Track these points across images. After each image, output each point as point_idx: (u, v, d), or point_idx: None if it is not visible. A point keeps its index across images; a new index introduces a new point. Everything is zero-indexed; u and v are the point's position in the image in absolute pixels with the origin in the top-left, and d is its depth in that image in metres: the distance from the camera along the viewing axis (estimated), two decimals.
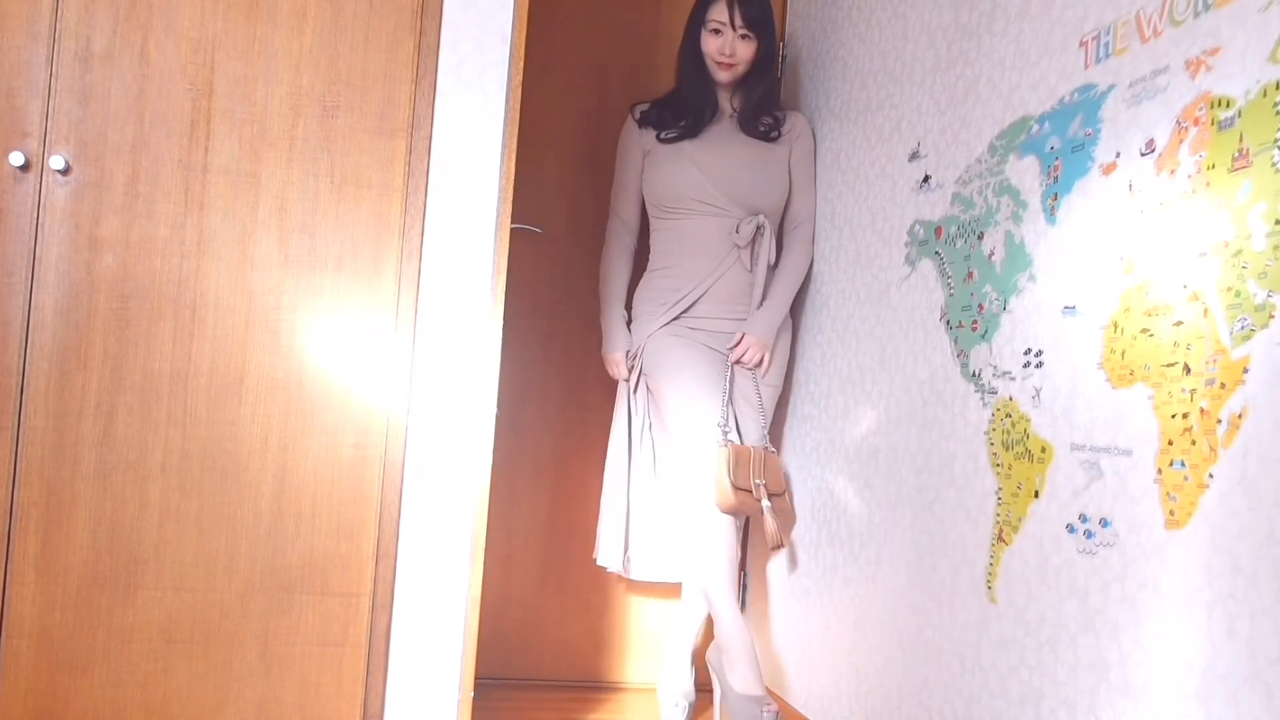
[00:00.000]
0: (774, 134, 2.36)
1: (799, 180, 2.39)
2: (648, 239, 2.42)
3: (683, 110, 2.35)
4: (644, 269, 2.40)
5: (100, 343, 1.69)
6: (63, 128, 1.68)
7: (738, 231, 2.27)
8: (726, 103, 2.40)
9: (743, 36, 2.29)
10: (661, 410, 2.29)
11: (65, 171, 1.68)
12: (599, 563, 2.43)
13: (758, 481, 2.17)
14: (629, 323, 2.39)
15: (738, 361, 2.29)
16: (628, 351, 2.37)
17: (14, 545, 1.67)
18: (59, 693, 1.68)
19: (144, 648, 1.71)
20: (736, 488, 2.11)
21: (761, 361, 2.30)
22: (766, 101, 2.38)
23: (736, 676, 2.06)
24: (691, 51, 2.34)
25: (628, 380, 2.39)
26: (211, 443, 1.72)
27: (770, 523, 2.15)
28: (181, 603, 1.71)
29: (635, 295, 2.39)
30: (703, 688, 2.58)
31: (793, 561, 2.43)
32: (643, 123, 2.39)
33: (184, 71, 1.72)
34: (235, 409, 1.73)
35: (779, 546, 2.16)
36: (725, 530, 2.14)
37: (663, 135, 2.35)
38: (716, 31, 2.29)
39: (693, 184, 2.29)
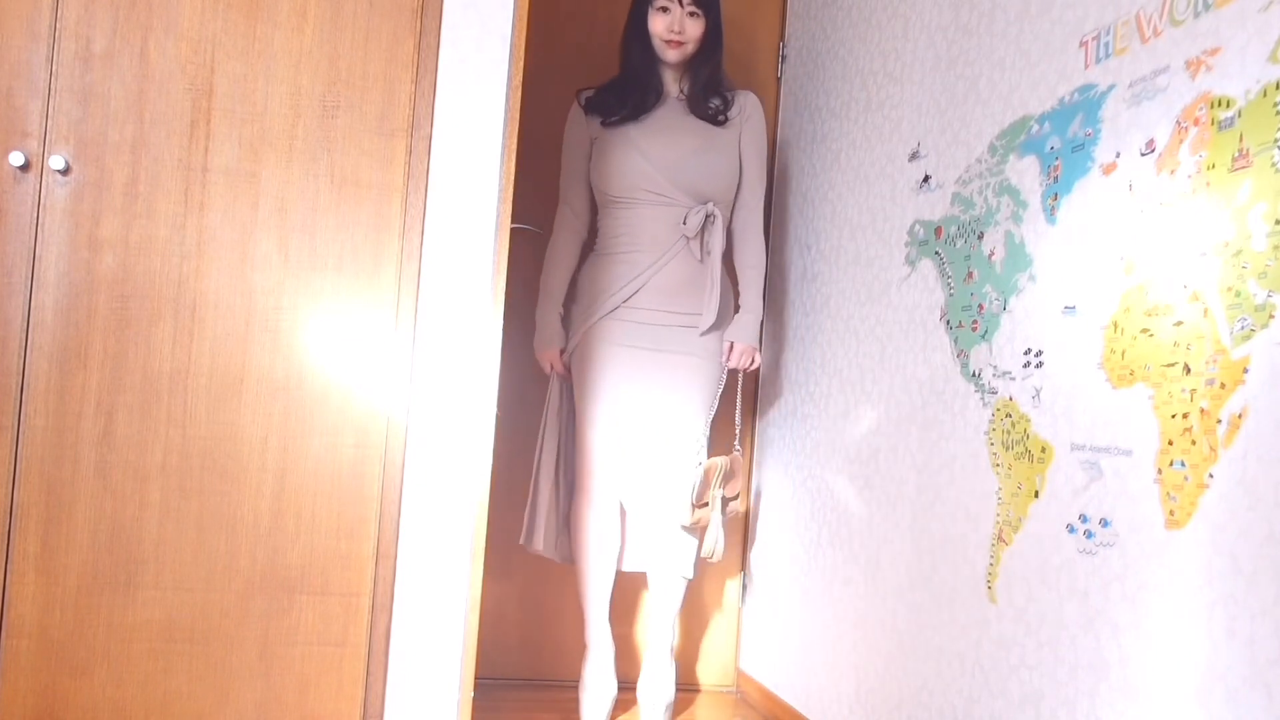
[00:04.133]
0: (721, 117, 2.33)
1: (749, 164, 2.35)
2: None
3: (626, 94, 2.32)
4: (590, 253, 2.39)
5: (100, 343, 1.69)
6: (63, 128, 1.68)
7: (685, 222, 2.25)
8: (673, 84, 2.36)
9: (691, 14, 2.27)
10: (578, 405, 2.31)
11: (65, 171, 1.68)
12: (533, 549, 2.40)
13: (715, 493, 2.27)
14: (564, 316, 2.38)
15: (734, 369, 2.33)
16: (563, 350, 2.36)
17: (14, 545, 1.67)
18: (59, 693, 1.68)
19: (144, 648, 1.70)
20: (697, 505, 2.24)
21: (753, 362, 2.33)
22: (714, 81, 2.34)
23: (586, 694, 2.30)
24: (637, 32, 2.32)
25: (563, 376, 2.39)
26: (211, 443, 1.72)
27: (712, 536, 2.28)
28: (181, 603, 1.71)
29: (579, 277, 2.37)
30: (682, 686, 2.57)
31: (748, 573, 2.45)
32: (588, 109, 2.36)
33: (184, 71, 1.72)
34: (235, 409, 1.73)
35: (711, 559, 2.31)
36: (610, 550, 2.30)
37: (606, 120, 2.32)
38: (664, 9, 2.27)
39: (639, 173, 2.26)
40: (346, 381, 1.77)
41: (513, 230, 2.49)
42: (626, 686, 2.65)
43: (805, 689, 2.27)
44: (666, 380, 2.27)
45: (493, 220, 1.81)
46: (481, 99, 1.81)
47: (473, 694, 1.79)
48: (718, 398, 2.32)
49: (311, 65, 1.76)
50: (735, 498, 2.37)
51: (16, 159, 1.65)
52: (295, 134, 1.75)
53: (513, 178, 1.82)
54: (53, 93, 1.68)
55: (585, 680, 2.32)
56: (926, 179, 1.90)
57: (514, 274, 2.55)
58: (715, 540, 2.27)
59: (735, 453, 2.40)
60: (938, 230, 1.84)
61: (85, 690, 1.69)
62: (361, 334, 1.77)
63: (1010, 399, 1.58)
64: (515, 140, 1.82)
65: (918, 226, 1.91)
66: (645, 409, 2.26)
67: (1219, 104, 1.20)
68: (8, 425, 1.66)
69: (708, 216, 2.25)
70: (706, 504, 2.26)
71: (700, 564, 2.36)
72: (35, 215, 1.67)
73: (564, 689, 2.56)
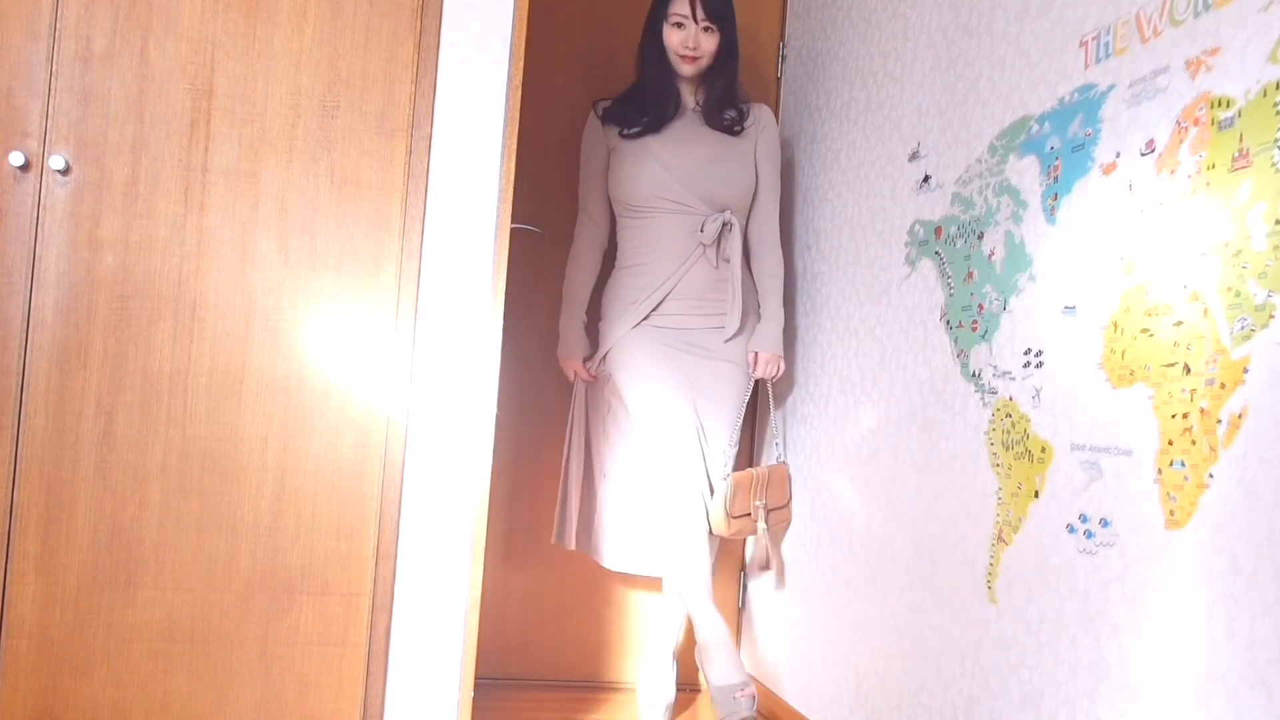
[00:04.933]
0: (737, 127, 2.35)
1: (765, 174, 2.37)
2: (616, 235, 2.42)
3: (644, 105, 2.34)
4: (612, 266, 2.40)
5: (100, 343, 1.69)
6: (63, 128, 1.68)
7: (702, 230, 2.26)
8: (689, 96, 2.38)
9: (705, 29, 2.28)
10: (630, 411, 2.30)
11: (65, 171, 1.68)
12: (566, 547, 2.47)
13: (757, 503, 2.26)
14: (588, 326, 2.40)
15: (760, 379, 2.34)
16: (587, 358, 2.37)
17: (14, 545, 1.67)
18: (59, 693, 1.68)
19: (144, 648, 1.71)
20: (734, 516, 2.21)
21: (779, 370, 2.35)
22: (729, 93, 2.36)
23: (715, 668, 2.15)
24: (653, 46, 2.33)
25: (586, 383, 2.41)
26: (211, 443, 1.72)
27: (761, 547, 2.27)
28: (181, 603, 1.71)
29: (604, 294, 2.38)
30: (683, 686, 2.57)
31: (780, 578, 2.45)
32: (605, 119, 2.38)
33: (184, 71, 1.72)
34: (235, 409, 1.73)
35: (765, 568, 2.26)
36: (700, 534, 2.21)
37: (625, 131, 2.33)
38: (679, 25, 2.28)
39: (657, 182, 2.27)
40: (346, 381, 1.77)
41: (513, 230, 2.50)
42: (626, 687, 2.65)
43: (805, 689, 2.27)
44: (701, 385, 2.28)
45: (493, 220, 1.81)
46: (481, 99, 1.81)
47: (473, 694, 1.79)
48: (744, 405, 2.33)
49: (311, 65, 1.76)
50: (782, 506, 2.36)
51: (16, 159, 1.65)
52: (295, 134, 1.75)
53: (513, 178, 1.82)
54: (53, 93, 1.68)
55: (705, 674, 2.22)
56: (926, 179, 1.90)
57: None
58: (761, 556, 2.27)
59: (779, 461, 2.42)
60: (938, 230, 1.84)
61: (85, 690, 1.69)
62: (361, 334, 1.77)
63: (1010, 399, 1.58)
64: (515, 140, 1.82)
65: (918, 226, 1.91)
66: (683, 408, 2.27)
67: (1219, 104, 1.20)
68: (8, 425, 1.66)
69: (725, 225, 2.26)
70: (747, 514, 2.24)
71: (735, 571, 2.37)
72: (35, 215, 1.67)
73: (564, 689, 2.56)
